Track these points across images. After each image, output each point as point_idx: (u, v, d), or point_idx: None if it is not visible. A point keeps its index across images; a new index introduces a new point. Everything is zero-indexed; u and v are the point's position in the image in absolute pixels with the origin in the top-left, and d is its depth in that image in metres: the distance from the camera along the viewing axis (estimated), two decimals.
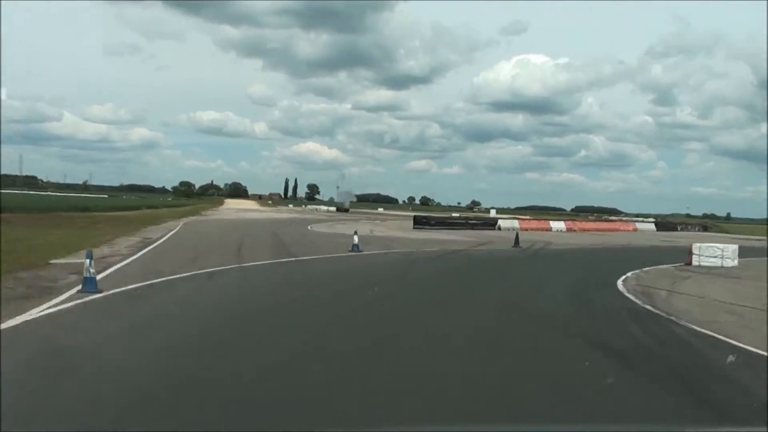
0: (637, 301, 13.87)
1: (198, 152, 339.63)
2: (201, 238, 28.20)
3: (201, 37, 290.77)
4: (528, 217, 79.08)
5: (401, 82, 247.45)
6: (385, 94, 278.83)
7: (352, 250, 23.52)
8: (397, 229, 46.57)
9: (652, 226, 67.93)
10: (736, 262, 24.09)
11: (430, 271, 19.67)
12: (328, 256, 22.07)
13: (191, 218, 50.41)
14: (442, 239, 35.12)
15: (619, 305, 13.17)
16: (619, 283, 17.11)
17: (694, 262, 24.31)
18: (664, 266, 23.26)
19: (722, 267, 23.76)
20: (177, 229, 34.22)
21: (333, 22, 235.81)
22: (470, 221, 56.70)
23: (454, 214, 77.73)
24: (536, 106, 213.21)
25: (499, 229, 53.80)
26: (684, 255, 25.30)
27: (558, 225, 59.83)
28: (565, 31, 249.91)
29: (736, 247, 24.41)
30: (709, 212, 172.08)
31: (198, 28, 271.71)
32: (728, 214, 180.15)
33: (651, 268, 22.10)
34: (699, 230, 67.57)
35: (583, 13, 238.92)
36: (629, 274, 19.41)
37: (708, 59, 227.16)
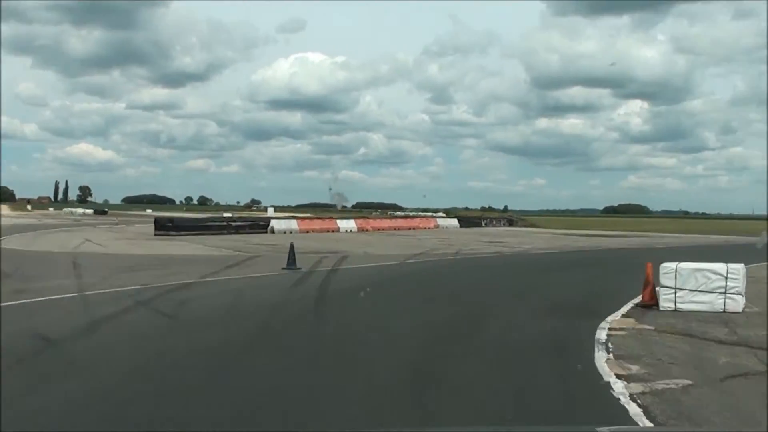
0: None
1: None
2: None
3: None
4: (309, 215, 65.39)
5: (177, 79, 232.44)
6: (160, 93, 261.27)
7: None
8: (123, 239, 30.21)
9: (455, 222, 57.46)
10: (742, 301, 11.24)
11: None
12: None
13: None
14: (169, 256, 19.39)
15: None
16: None
17: (664, 303, 11.26)
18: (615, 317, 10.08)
19: (724, 311, 10.89)
20: None
21: (105, 18, 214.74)
22: (233, 223, 41.59)
23: (225, 214, 64.40)
24: (315, 105, 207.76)
25: (272, 231, 39.76)
26: (619, 281, 12.20)
27: (347, 224, 46.50)
28: (343, 29, 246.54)
29: (741, 267, 11.47)
30: (486, 205, 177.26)
31: None
32: (505, 206, 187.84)
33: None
34: (505, 225, 58.41)
35: (360, 13, 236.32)
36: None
37: (482, 58, 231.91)
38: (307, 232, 42.36)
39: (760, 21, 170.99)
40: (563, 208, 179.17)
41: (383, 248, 26.82)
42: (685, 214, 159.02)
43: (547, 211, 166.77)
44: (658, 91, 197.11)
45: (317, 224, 46.23)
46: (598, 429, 3.75)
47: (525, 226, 58.23)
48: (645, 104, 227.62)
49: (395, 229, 50.48)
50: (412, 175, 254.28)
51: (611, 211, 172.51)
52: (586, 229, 54.44)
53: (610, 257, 24.41)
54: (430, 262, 20.52)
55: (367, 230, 46.28)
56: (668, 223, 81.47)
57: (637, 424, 5.10)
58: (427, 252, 24.12)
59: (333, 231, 44.17)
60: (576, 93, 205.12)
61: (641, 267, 12.24)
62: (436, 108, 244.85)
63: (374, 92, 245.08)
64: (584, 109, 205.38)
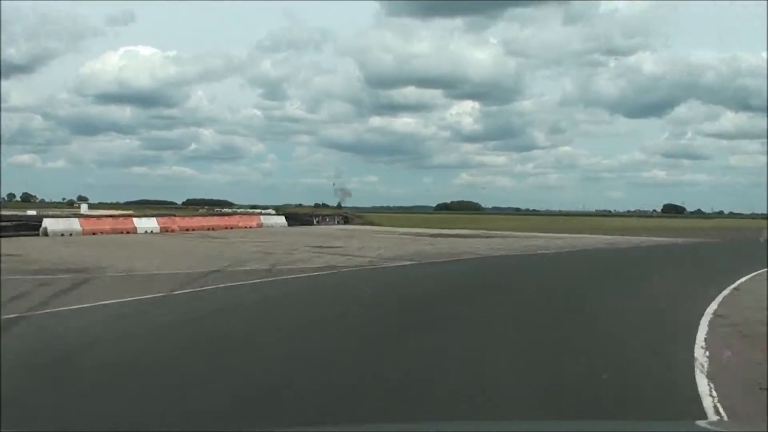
0: None
1: None
2: None
3: None
4: (109, 212, 54.88)
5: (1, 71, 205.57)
6: None
7: None
8: None
9: (282, 220, 50.01)
10: None
11: None
12: None
13: None
14: None
15: None
16: None
17: None
18: None
19: None
20: None
21: None
22: None
23: (30, 212, 53.39)
24: (145, 99, 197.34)
25: (46, 234, 30.90)
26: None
27: (147, 224, 37.52)
28: (175, 23, 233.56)
29: None
30: (320, 202, 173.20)
31: None
32: (339, 203, 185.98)
33: None
34: (340, 222, 51.84)
35: (192, 6, 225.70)
36: None
37: (317, 55, 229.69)
38: (93, 234, 33.08)
39: (589, 26, 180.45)
40: (397, 204, 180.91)
41: (172, 259, 18.88)
42: (517, 211, 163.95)
43: (381, 208, 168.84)
44: (489, 92, 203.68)
45: (107, 224, 36.67)
46: (598, 426, 3.39)
47: (362, 223, 52.02)
48: (476, 104, 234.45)
49: (210, 229, 42.12)
50: (244, 171, 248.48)
51: (444, 208, 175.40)
52: (425, 226, 49.27)
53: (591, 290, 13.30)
54: (210, 294, 12.20)
55: (172, 231, 37.60)
56: (522, 220, 79.51)
57: None
58: (230, 266, 16.53)
59: (128, 232, 35.14)
60: (409, 93, 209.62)
61: None
62: (269, 104, 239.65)
63: (206, 87, 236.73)
64: (417, 108, 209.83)
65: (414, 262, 18.83)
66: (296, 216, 52.45)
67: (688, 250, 30.12)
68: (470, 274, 16.83)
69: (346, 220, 52.67)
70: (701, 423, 4.33)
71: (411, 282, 14.51)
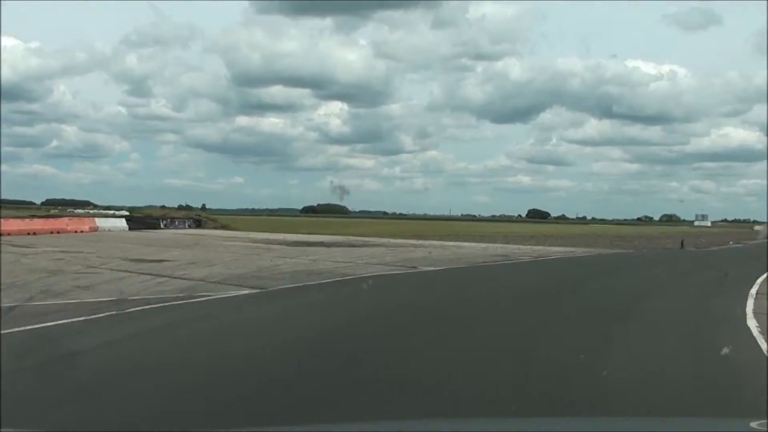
0: None
1: None
2: None
3: None
4: None
5: None
6: None
7: None
8: None
9: (122, 223, 43.30)
10: None
11: None
12: None
13: None
14: None
15: None
16: None
17: None
18: None
19: None
20: None
21: None
22: None
23: None
24: (4, 93, 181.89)
25: None
26: None
27: None
28: (39, 13, 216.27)
29: None
30: (184, 203, 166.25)
31: None
32: (203, 205, 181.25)
33: None
34: (191, 226, 45.67)
35: None
36: None
37: (184, 52, 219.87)
38: None
39: (458, 31, 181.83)
40: (263, 207, 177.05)
41: None
42: (384, 214, 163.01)
43: (246, 210, 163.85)
44: (358, 94, 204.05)
45: None
46: (597, 426, 3.25)
47: (215, 227, 46.07)
48: (345, 106, 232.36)
49: (30, 233, 35.31)
50: (107, 170, 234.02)
51: (310, 210, 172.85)
52: (289, 230, 44.32)
53: None
54: None
55: None
56: (391, 225, 76.19)
57: None
58: None
59: None
60: (277, 92, 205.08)
61: None
62: (133, 101, 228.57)
63: (69, 81, 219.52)
64: (285, 108, 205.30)
65: (254, 291, 13.55)
66: (140, 219, 45.73)
67: (632, 265, 25.68)
68: (326, 327, 9.44)
69: (199, 224, 46.51)
70: (694, 419, 4.20)
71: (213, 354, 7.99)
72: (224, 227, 46.11)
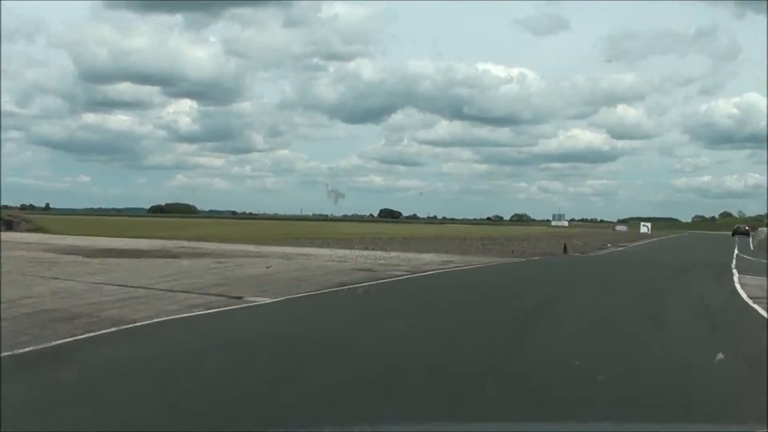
0: None
1: None
2: None
3: None
4: None
5: None
6: None
7: None
8: None
9: None
10: None
11: None
12: None
13: None
14: None
15: None
16: None
17: None
18: None
19: None
20: None
21: None
22: None
23: None
24: None
25: None
26: None
27: None
28: None
29: None
30: (27, 203, 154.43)
31: None
32: (47, 204, 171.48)
33: None
34: (2, 228, 38.90)
35: None
36: None
37: (29, 46, 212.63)
38: None
39: (310, 30, 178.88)
40: (110, 206, 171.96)
41: None
42: (233, 214, 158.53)
43: (93, 210, 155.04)
44: (207, 92, 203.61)
45: None
46: (598, 427, 3.26)
47: (31, 230, 39.59)
48: (194, 104, 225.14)
49: None
50: None
51: (158, 210, 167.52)
52: (122, 233, 38.93)
53: None
54: None
55: None
56: (240, 225, 71.44)
57: None
58: None
59: None
60: (125, 89, 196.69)
61: None
62: None
63: None
64: (133, 105, 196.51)
65: None
66: None
67: (552, 287, 19.26)
68: None
69: (9, 226, 39.82)
70: (696, 425, 4.21)
71: None
72: (39, 229, 39.62)
